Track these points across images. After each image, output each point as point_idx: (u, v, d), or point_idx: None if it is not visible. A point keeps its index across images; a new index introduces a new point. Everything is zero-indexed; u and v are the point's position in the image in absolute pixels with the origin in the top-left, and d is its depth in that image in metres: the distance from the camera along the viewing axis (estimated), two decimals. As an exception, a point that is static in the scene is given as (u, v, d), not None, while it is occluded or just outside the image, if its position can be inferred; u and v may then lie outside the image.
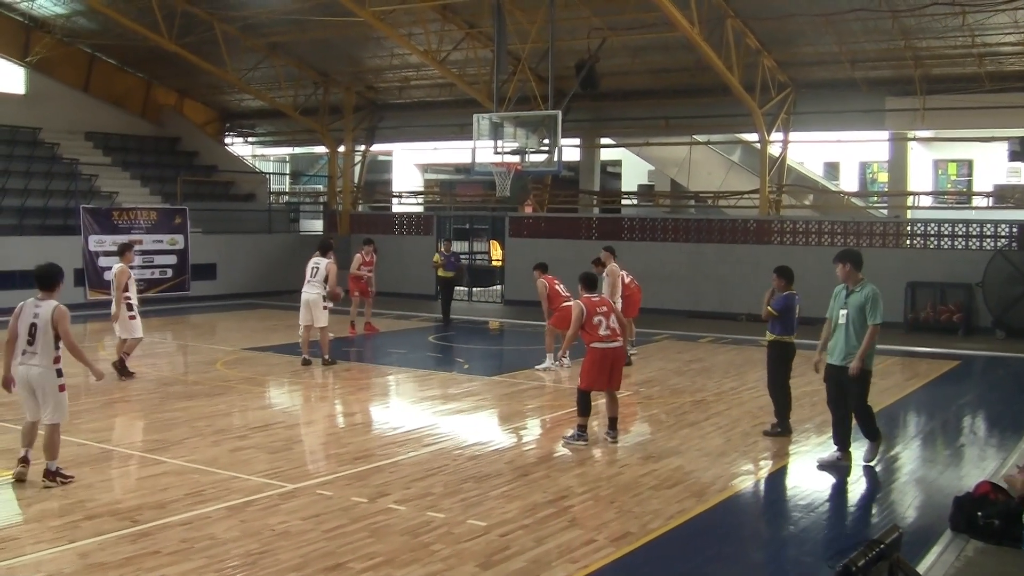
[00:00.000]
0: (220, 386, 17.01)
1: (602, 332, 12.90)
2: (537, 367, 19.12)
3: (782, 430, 13.56)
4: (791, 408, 13.76)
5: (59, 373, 10.64)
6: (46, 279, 10.87)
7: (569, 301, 18.96)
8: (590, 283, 13.98)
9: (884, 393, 16.88)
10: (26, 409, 10.78)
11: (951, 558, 8.94)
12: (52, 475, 10.49)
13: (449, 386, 17.30)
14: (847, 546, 8.21)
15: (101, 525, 9.35)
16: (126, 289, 17.50)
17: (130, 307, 17.52)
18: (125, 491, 10.53)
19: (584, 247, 26.07)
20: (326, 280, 18.97)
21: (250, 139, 44.22)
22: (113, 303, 17.66)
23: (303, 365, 18.70)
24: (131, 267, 17.99)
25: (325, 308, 18.90)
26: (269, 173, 42.16)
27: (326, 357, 18.94)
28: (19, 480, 10.51)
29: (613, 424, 13.16)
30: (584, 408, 13.04)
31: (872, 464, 12.18)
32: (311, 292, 19.03)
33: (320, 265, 19.21)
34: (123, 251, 18.03)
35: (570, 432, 13.17)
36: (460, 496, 10.49)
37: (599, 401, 13.78)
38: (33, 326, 10.54)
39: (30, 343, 10.55)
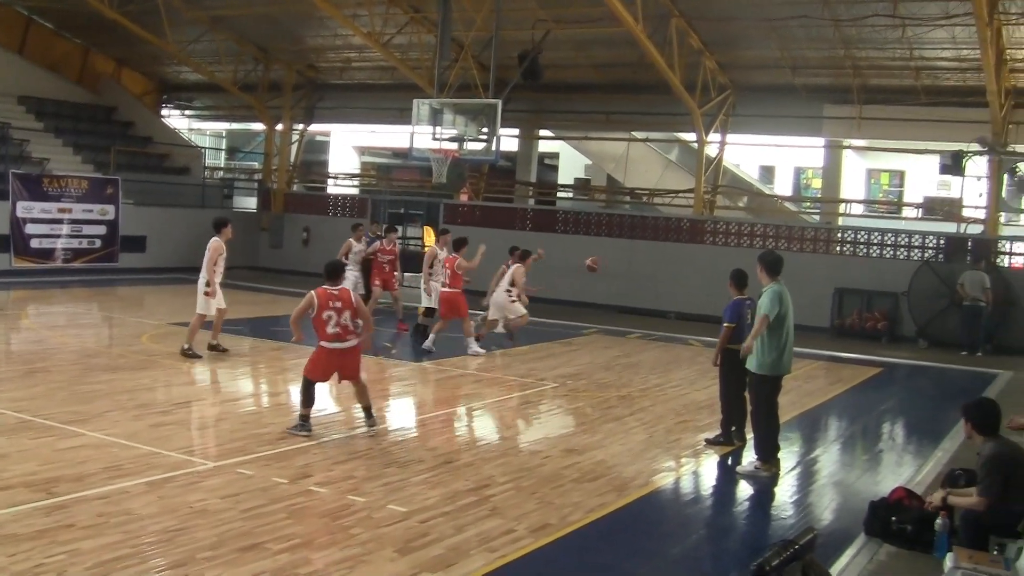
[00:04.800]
0: (144, 360, 16.83)
1: (330, 330, 11.99)
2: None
3: (724, 440, 13.17)
4: (747, 421, 13.01)
5: None
6: None
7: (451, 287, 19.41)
8: (331, 274, 12.52)
9: (807, 397, 17.11)
10: None
11: (864, 561, 9.06)
12: None
13: (376, 371, 17.25)
14: (763, 546, 8.30)
15: (15, 496, 9.22)
16: (215, 264, 17.26)
17: (208, 283, 17.21)
18: (41, 462, 10.35)
19: (518, 238, 26.09)
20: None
21: (187, 112, 43.68)
22: (201, 276, 17.33)
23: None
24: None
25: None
26: (205, 148, 41.75)
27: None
28: None
29: (368, 412, 12.46)
30: (306, 398, 12.10)
31: (738, 471, 12.11)
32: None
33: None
34: (219, 226, 17.71)
35: (294, 424, 12.25)
36: (382, 481, 10.46)
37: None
38: None
39: None
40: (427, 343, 19.45)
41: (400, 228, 36.15)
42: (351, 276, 20.67)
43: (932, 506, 9.14)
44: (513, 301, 20.38)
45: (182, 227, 32.74)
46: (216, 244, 17.38)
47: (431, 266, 20.57)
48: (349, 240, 22.80)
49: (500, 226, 29.98)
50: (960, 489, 9.36)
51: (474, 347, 19.31)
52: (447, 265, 19.55)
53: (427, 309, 20.77)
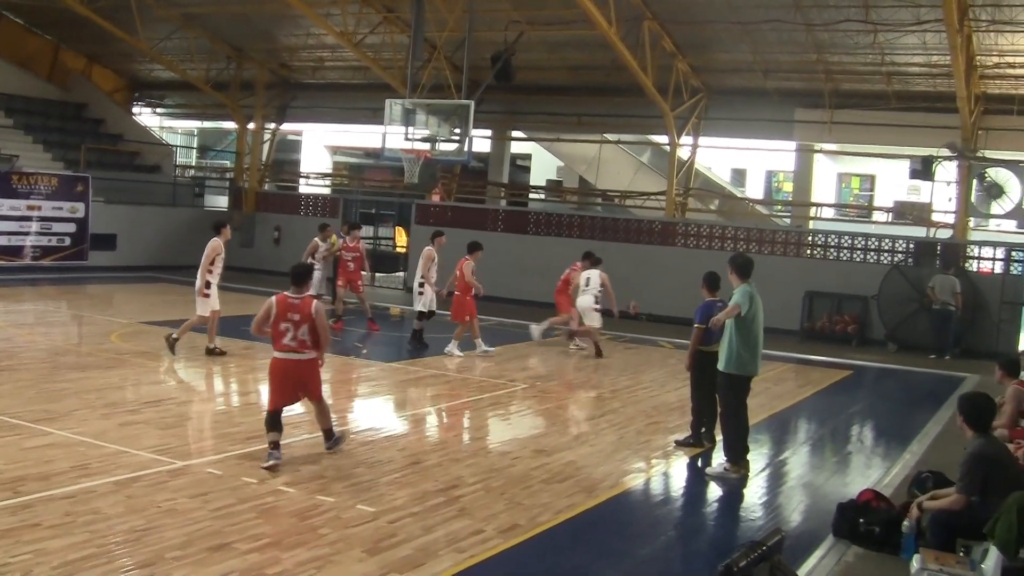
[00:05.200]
0: (114, 359, 16.75)
1: (285, 342, 10.95)
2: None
3: (694, 442, 13.20)
4: (716, 423, 12.93)
5: None
6: None
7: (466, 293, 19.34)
8: (297, 279, 11.33)
9: (777, 399, 17.18)
10: None
11: (831, 563, 9.11)
12: None
13: (346, 371, 17.20)
14: (731, 547, 8.33)
15: (-20, 495, 9.16)
16: (212, 263, 17.30)
17: (207, 284, 17.26)
18: (8, 461, 10.27)
19: (490, 238, 26.05)
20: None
21: (159, 110, 43.48)
22: (199, 276, 17.39)
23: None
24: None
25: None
26: (176, 146, 41.51)
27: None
28: None
29: (327, 436, 11.53)
30: (270, 424, 10.90)
31: (707, 473, 12.19)
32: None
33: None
34: (219, 227, 17.99)
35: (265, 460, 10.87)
36: (351, 481, 10.44)
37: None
38: None
39: None
40: (451, 348, 19.34)
41: (372, 228, 36.20)
42: (316, 276, 19.88)
43: (912, 516, 9.13)
44: (596, 310, 20.60)
45: (153, 225, 32.67)
46: (215, 244, 17.50)
47: (428, 269, 20.30)
48: (315, 240, 22.49)
49: (472, 227, 29.93)
50: (941, 491, 9.38)
51: (454, 349, 19.31)
52: (458, 267, 19.51)
53: (420, 313, 20.38)
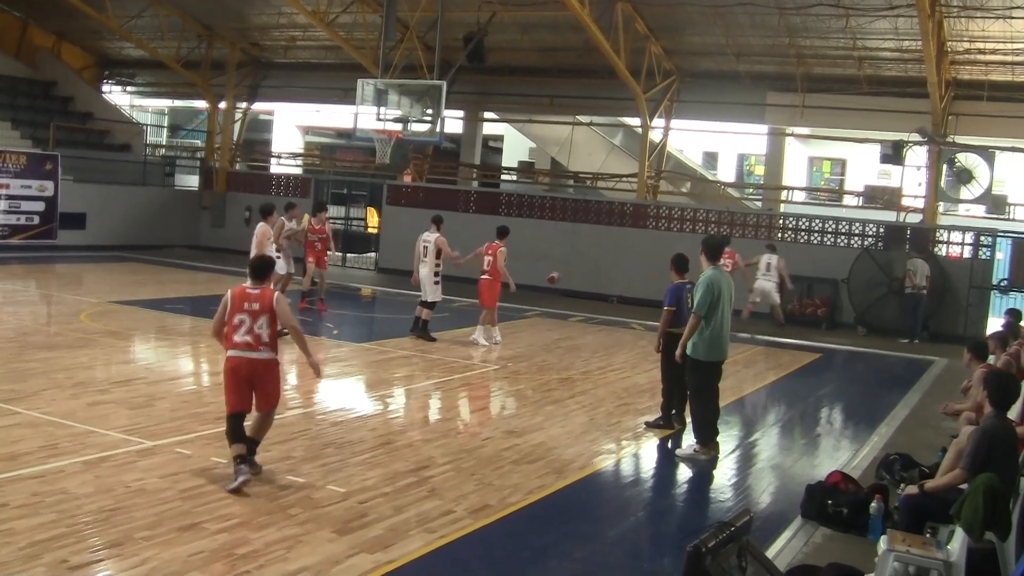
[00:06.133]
0: (83, 338, 16.64)
1: (238, 338, 9.74)
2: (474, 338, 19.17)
3: (664, 423, 13.28)
4: (687, 405, 13.01)
5: None
6: None
7: (484, 275, 18.94)
8: (258, 272, 10.17)
9: (746, 381, 17.29)
10: None
11: (800, 544, 9.18)
12: None
13: (317, 351, 17.14)
14: (699, 528, 8.36)
15: (-53, 474, 9.11)
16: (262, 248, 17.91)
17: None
18: (-25, 440, 10.25)
19: (462, 219, 26.02)
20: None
21: (129, 88, 43.10)
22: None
23: None
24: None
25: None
26: (146, 125, 41.35)
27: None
28: None
29: (251, 449, 9.87)
30: (231, 432, 9.74)
31: (677, 454, 12.24)
32: None
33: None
34: (266, 212, 18.75)
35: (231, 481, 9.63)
36: (321, 461, 10.44)
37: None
38: None
39: None
40: (476, 336, 19.06)
41: (344, 208, 36.13)
42: (281, 260, 19.12)
43: (908, 495, 9.10)
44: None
45: (123, 205, 32.49)
46: (263, 229, 18.24)
47: (438, 256, 19.17)
48: (281, 219, 20.56)
49: (443, 207, 29.84)
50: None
51: (481, 338, 19.04)
52: (489, 252, 18.94)
53: (427, 303, 19.28)
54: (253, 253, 17.05)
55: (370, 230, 36.84)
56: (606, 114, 33.31)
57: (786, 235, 26.89)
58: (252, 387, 9.80)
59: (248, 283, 9.98)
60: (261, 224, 18.30)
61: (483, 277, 18.96)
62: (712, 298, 11.71)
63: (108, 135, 36.13)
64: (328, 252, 22.41)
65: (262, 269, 10.18)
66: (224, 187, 35.53)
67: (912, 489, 9.02)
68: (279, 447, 10.80)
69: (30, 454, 9.89)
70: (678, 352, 12.12)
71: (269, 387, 9.91)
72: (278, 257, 18.68)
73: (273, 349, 9.84)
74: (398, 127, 23.85)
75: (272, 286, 10.33)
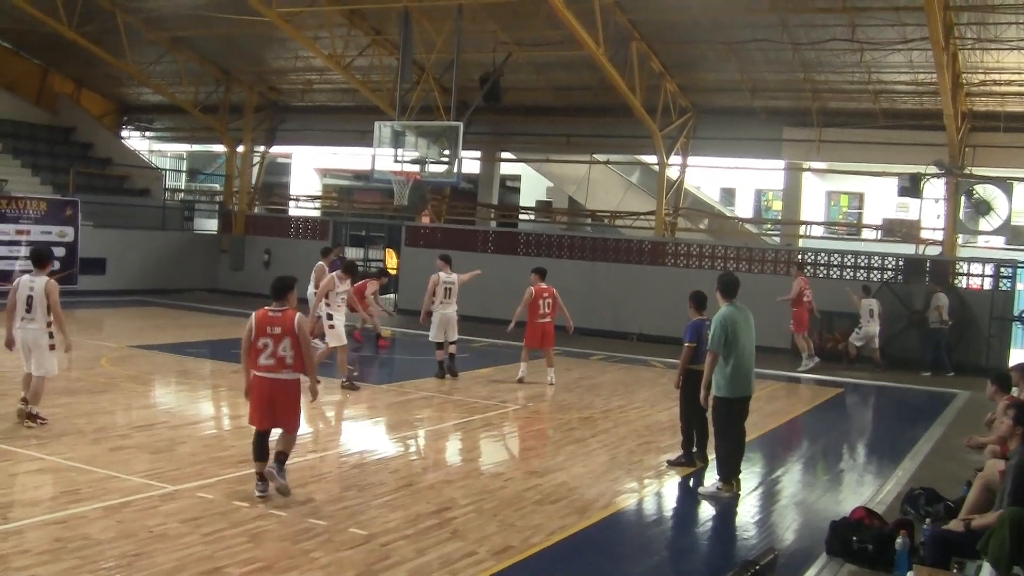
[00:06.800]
0: (103, 383, 16.68)
1: (263, 360, 10.34)
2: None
3: (686, 461, 13.18)
4: (708, 442, 13.13)
5: (50, 335, 13.11)
6: (38, 259, 13.35)
7: (544, 318, 18.93)
8: (278, 293, 10.71)
9: (769, 417, 17.17)
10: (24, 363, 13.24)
11: (825, 581, 9.11)
12: (32, 417, 13.01)
13: (337, 393, 17.15)
14: (724, 567, 8.32)
15: (-30, 521, 9.11)
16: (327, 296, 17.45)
17: (329, 316, 17.33)
18: (-3, 486, 10.26)
19: (481, 260, 26.06)
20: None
21: (148, 134, 43.36)
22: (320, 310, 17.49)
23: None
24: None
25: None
26: (165, 169, 41.56)
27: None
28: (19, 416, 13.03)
29: (278, 458, 10.47)
30: (256, 451, 10.54)
31: (700, 492, 12.19)
32: None
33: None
34: (327, 253, 19.99)
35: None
36: (342, 504, 10.41)
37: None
38: (30, 298, 12.98)
39: (28, 311, 12.97)
40: (550, 377, 19.20)
41: (362, 250, 36.20)
42: (338, 322, 17.63)
43: (946, 530, 9.02)
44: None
45: (142, 249, 32.61)
46: (319, 268, 19.63)
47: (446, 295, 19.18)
48: (331, 276, 18.08)
49: (462, 248, 29.92)
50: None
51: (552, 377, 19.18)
52: (547, 295, 18.90)
53: (451, 341, 19.28)
54: (313, 297, 17.65)
55: (389, 272, 36.89)
56: (623, 152, 33.37)
57: (805, 270, 26.79)
58: (274, 407, 10.43)
59: (271, 306, 10.52)
60: (318, 263, 19.14)
61: (546, 320, 18.97)
62: (727, 335, 11.66)
63: (127, 180, 36.33)
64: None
65: (281, 289, 10.69)
66: (243, 230, 35.66)
67: (957, 524, 8.95)
68: (300, 490, 10.77)
69: (52, 499, 9.91)
70: (702, 395, 12.07)
71: (290, 411, 10.56)
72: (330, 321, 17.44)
73: (297, 369, 10.46)
74: (416, 168, 23.94)
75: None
